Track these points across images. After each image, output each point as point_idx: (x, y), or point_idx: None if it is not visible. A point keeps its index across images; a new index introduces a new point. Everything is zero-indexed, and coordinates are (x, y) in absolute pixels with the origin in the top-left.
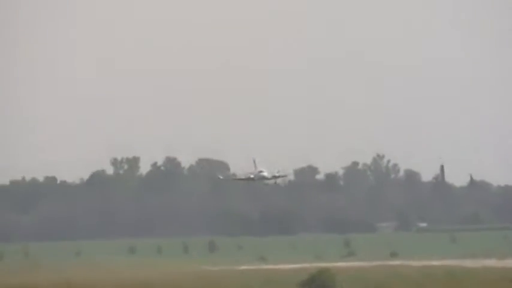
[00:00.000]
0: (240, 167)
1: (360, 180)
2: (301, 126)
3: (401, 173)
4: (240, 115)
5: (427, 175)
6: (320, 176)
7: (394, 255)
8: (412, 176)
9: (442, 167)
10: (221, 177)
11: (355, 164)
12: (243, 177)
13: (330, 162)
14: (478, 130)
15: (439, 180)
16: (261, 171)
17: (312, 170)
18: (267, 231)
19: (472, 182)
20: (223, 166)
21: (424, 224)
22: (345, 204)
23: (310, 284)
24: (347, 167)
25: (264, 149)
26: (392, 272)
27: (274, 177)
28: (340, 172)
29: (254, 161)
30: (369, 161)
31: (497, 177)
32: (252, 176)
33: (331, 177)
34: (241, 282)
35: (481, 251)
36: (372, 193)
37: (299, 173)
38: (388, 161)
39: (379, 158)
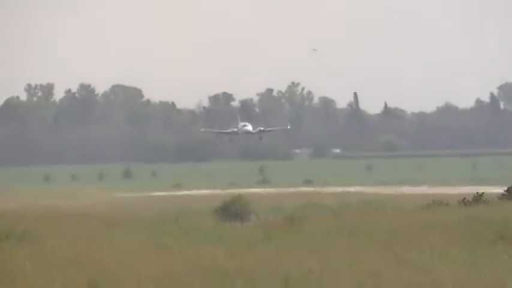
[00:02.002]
0: (154, 94)
1: (275, 107)
2: (215, 51)
3: (316, 101)
4: (156, 40)
5: (342, 102)
6: (235, 103)
7: (308, 182)
8: (326, 104)
9: (355, 95)
10: (202, 130)
11: (270, 90)
12: (227, 130)
13: (244, 89)
14: (392, 57)
15: (354, 107)
16: (244, 125)
17: (227, 96)
18: (183, 158)
19: (387, 109)
20: (137, 92)
21: (338, 151)
22: None
23: (224, 210)
24: (262, 94)
25: (180, 76)
26: (306, 199)
27: (260, 131)
28: (256, 99)
29: (238, 117)
30: (283, 88)
31: (411, 104)
32: (235, 130)
33: (246, 104)
34: (154, 207)
35: (396, 179)
36: (287, 120)
37: (214, 100)
38: (303, 89)
39: (293, 85)
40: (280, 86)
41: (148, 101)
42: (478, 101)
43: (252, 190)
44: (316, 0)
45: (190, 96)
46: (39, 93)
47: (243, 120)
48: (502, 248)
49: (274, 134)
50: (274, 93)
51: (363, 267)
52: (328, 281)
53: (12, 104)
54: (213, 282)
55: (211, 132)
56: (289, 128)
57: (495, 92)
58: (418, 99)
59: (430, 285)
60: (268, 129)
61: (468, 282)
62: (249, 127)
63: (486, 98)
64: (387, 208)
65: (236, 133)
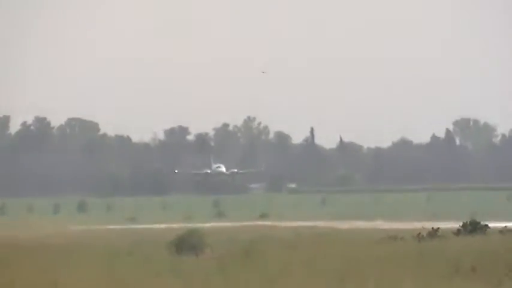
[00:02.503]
0: (111, 127)
1: (231, 141)
2: (171, 84)
3: (272, 135)
4: (110, 74)
5: (298, 137)
6: (191, 137)
7: (264, 216)
8: (282, 138)
9: (312, 129)
10: (176, 172)
11: (226, 125)
12: (200, 172)
13: (200, 123)
14: (346, 91)
15: (309, 142)
16: (218, 167)
17: (183, 130)
18: (138, 191)
19: (342, 143)
20: (93, 126)
21: (293, 186)
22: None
23: (180, 244)
24: (218, 128)
25: (134, 109)
26: (263, 233)
27: (233, 173)
28: (211, 133)
29: (210, 158)
30: (239, 122)
31: (367, 139)
32: (208, 171)
33: (201, 138)
34: (109, 241)
35: (351, 213)
36: (243, 155)
37: (169, 133)
38: (259, 123)
39: (249, 120)
40: (236, 120)
41: (104, 134)
42: (434, 137)
43: (207, 224)
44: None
45: (145, 129)
46: None
47: (216, 162)
48: (457, 283)
49: (230, 167)
50: (230, 127)
51: None
52: None
53: None
54: None
55: (185, 173)
56: (263, 169)
57: (450, 127)
58: (374, 134)
59: None
60: (241, 171)
61: None
62: (223, 168)
63: (441, 134)
64: (342, 242)
65: (210, 174)
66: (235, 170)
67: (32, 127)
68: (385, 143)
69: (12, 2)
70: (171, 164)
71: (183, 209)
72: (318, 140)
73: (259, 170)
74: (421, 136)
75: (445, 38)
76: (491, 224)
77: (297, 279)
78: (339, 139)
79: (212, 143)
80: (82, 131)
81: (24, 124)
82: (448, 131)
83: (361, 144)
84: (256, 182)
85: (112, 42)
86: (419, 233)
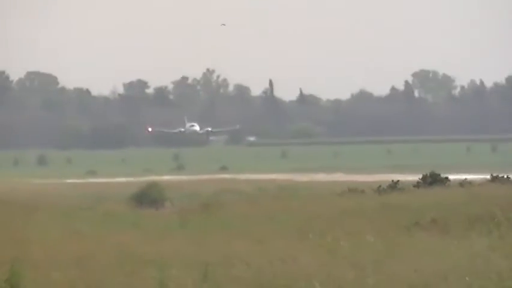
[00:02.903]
0: (70, 81)
1: (190, 94)
2: (130, 38)
3: (231, 88)
4: (69, 28)
5: (257, 90)
6: (150, 90)
7: (224, 168)
8: (241, 91)
9: (271, 82)
10: (150, 130)
11: (185, 78)
12: (174, 130)
13: (159, 76)
14: (307, 44)
15: (269, 94)
16: (192, 125)
17: (142, 83)
18: (98, 145)
19: (302, 96)
20: (52, 79)
21: (253, 138)
22: (175, 118)
23: (139, 197)
24: (177, 82)
25: (95, 63)
26: (223, 186)
27: (207, 132)
28: (170, 87)
29: (185, 118)
30: (198, 75)
31: (326, 91)
32: (182, 130)
33: (161, 91)
34: (70, 194)
35: (311, 165)
36: (203, 108)
37: (128, 86)
38: (218, 76)
39: (208, 72)
40: (195, 73)
41: (63, 87)
42: (393, 89)
43: (167, 177)
44: None
45: (104, 82)
46: None
47: (189, 121)
48: (418, 235)
49: (189, 119)
50: (189, 80)
51: (278, 253)
52: (245, 266)
53: None
54: (129, 268)
55: (159, 131)
56: (238, 127)
57: (410, 79)
58: (333, 86)
59: (349, 267)
60: (215, 129)
61: (386, 268)
62: (197, 127)
63: (401, 86)
64: (302, 195)
65: (183, 133)
66: (210, 129)
67: None
68: (345, 95)
69: None
70: (131, 117)
71: (143, 162)
72: (278, 93)
73: (233, 128)
74: (380, 88)
75: None
76: (451, 176)
77: (257, 233)
78: (298, 91)
79: (171, 96)
80: (41, 84)
81: None
82: (407, 83)
83: (321, 96)
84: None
85: None
86: (380, 186)
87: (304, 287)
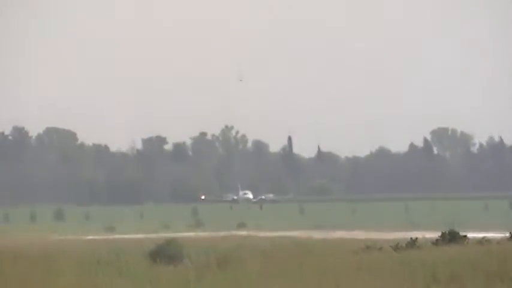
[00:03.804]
0: (89, 137)
1: (208, 151)
2: (149, 94)
3: (250, 144)
4: (88, 83)
5: (276, 146)
6: (168, 146)
7: (242, 225)
8: (260, 147)
9: (289, 138)
10: (203, 198)
11: (204, 134)
12: (227, 199)
13: (178, 132)
14: (325, 101)
15: (287, 151)
16: (245, 193)
17: (160, 140)
18: (115, 201)
19: (320, 153)
20: (71, 135)
21: (271, 195)
22: (193, 174)
23: (158, 254)
24: (195, 138)
25: (113, 119)
26: (240, 243)
27: (261, 200)
28: (189, 142)
29: (238, 185)
30: (217, 131)
31: (345, 148)
32: (235, 198)
33: (179, 147)
34: (88, 251)
35: (329, 223)
36: (221, 164)
37: (147, 142)
38: (237, 132)
39: (227, 129)
40: (213, 129)
41: (82, 143)
42: (412, 145)
43: (185, 234)
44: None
45: (123, 138)
46: None
47: (242, 189)
48: None
49: (207, 177)
50: (208, 136)
51: None
52: None
53: None
54: None
55: (212, 200)
56: (292, 196)
57: (428, 136)
58: (352, 143)
59: None
60: (269, 198)
61: None
62: (250, 195)
63: (420, 143)
64: (319, 251)
65: (236, 201)
66: (263, 197)
67: (10, 137)
68: (363, 152)
69: None
70: (149, 173)
71: (160, 218)
72: (296, 149)
73: (288, 196)
74: (399, 145)
75: (423, 45)
76: (469, 234)
77: None
78: (317, 148)
79: (190, 152)
80: (60, 140)
81: (1, 134)
82: (426, 140)
83: (339, 153)
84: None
85: (86, 49)
86: (398, 243)
87: None
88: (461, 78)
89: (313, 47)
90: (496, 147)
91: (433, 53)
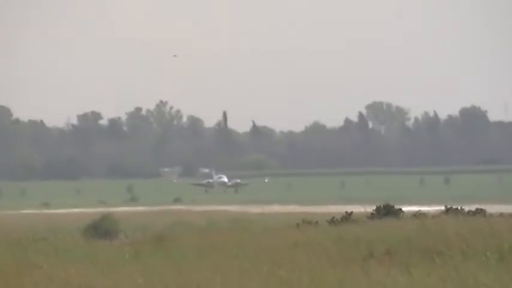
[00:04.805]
0: (24, 112)
1: (143, 126)
2: (87, 69)
3: (185, 119)
4: (21, 58)
5: (210, 121)
6: (103, 121)
7: (177, 200)
8: (195, 123)
9: (224, 113)
10: (175, 181)
11: (139, 109)
12: (202, 182)
13: (113, 108)
14: (260, 75)
15: (222, 126)
16: (220, 177)
17: (95, 115)
18: (51, 176)
19: (255, 128)
20: (5, 111)
21: (206, 170)
22: (129, 150)
23: (93, 228)
24: (130, 113)
25: (49, 94)
26: (175, 218)
27: (236, 184)
28: (124, 118)
29: (212, 170)
30: (152, 107)
31: (280, 123)
32: (210, 181)
33: (114, 123)
34: (23, 225)
35: (264, 197)
36: (156, 139)
37: (82, 118)
38: (171, 107)
39: (162, 104)
40: (148, 104)
41: (17, 119)
42: (347, 120)
43: (120, 208)
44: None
45: (59, 114)
46: None
47: (217, 173)
48: (371, 267)
49: (142, 153)
50: (143, 112)
51: (230, 285)
52: None
53: None
54: None
55: (186, 184)
56: (267, 181)
57: (363, 111)
58: (287, 118)
59: None
60: (243, 182)
61: None
62: (225, 179)
63: (355, 118)
64: (255, 227)
65: (211, 184)
66: (239, 181)
67: None
68: (298, 127)
69: None
70: (85, 149)
71: (96, 193)
72: (231, 124)
73: (265, 182)
74: (334, 120)
75: (365, 19)
76: (404, 208)
77: (209, 265)
78: (251, 123)
79: (125, 128)
80: None
81: None
82: (361, 114)
83: (274, 128)
84: (168, 166)
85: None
86: (333, 217)
87: None
88: (397, 52)
89: (245, 19)
90: (431, 122)
91: (369, 28)
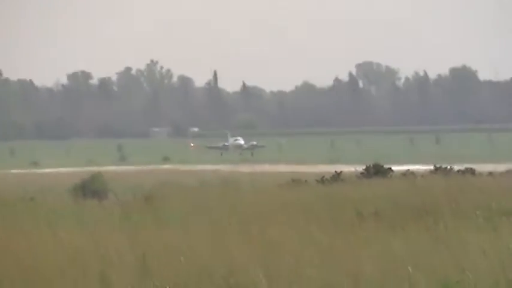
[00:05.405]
0: (13, 72)
1: (134, 86)
2: (77, 29)
3: (175, 79)
4: (10, 18)
5: (201, 81)
6: (94, 81)
7: (166, 159)
8: (185, 82)
9: (215, 73)
10: (192, 145)
11: (129, 69)
12: (218, 145)
13: (103, 67)
14: (251, 36)
15: (212, 86)
16: (236, 139)
17: (85, 74)
18: (41, 136)
19: (245, 87)
20: None
21: (196, 130)
22: (119, 110)
23: (82, 188)
24: (121, 73)
25: (38, 54)
26: (164, 177)
27: (252, 146)
28: (114, 77)
29: (228, 132)
30: (142, 66)
31: (270, 83)
32: (226, 144)
33: (104, 83)
34: (12, 186)
35: (255, 157)
36: (146, 99)
37: (72, 77)
38: (162, 67)
39: (152, 63)
40: (139, 64)
41: (6, 79)
42: (337, 80)
43: (110, 168)
44: None
45: (49, 74)
46: None
47: (233, 136)
48: (361, 226)
49: (132, 112)
50: (133, 71)
51: (218, 244)
52: (183, 257)
53: None
54: (74, 263)
55: (203, 147)
56: (284, 142)
57: (353, 71)
58: (277, 78)
59: (293, 262)
60: (260, 144)
61: (330, 259)
62: (241, 141)
63: (345, 77)
64: (246, 186)
65: (227, 147)
66: (255, 143)
67: None
68: (288, 87)
69: None
70: (75, 109)
71: (86, 153)
72: (221, 84)
73: (280, 142)
74: (324, 80)
75: None
76: (394, 167)
77: (199, 225)
78: (242, 83)
79: (115, 88)
80: None
81: None
82: (351, 74)
83: (264, 88)
84: (159, 126)
85: None
86: (323, 177)
87: (244, 277)
88: (386, 12)
89: None
90: (421, 82)
91: None
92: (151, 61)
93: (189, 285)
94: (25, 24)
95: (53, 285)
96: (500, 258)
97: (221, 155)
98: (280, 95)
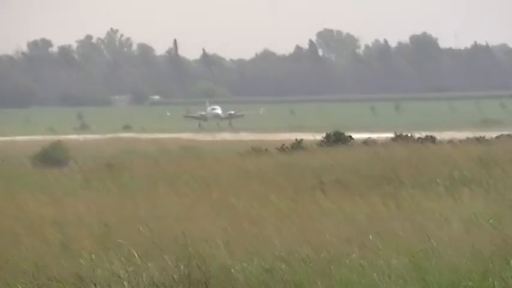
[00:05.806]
0: None
1: (94, 54)
2: None
3: (135, 47)
4: None
5: (161, 49)
6: (54, 49)
7: (127, 128)
8: (145, 51)
9: (175, 41)
10: (168, 114)
11: (89, 37)
12: (195, 114)
13: (63, 35)
14: (210, 2)
15: (173, 54)
16: (213, 109)
17: (46, 42)
18: (0, 105)
19: (205, 55)
20: None
21: (157, 98)
22: (79, 78)
23: (43, 156)
24: (81, 41)
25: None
26: (125, 145)
27: (230, 115)
28: (75, 45)
29: (206, 101)
30: (102, 35)
31: (230, 51)
32: (203, 113)
33: (65, 51)
34: None
35: (214, 125)
36: (107, 68)
37: (33, 45)
38: (122, 35)
39: (112, 32)
40: (99, 33)
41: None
42: (297, 48)
43: (70, 136)
44: None
45: (9, 41)
46: None
47: (211, 104)
48: (320, 194)
49: (93, 80)
50: (94, 40)
51: (177, 214)
52: (144, 225)
53: None
54: (33, 228)
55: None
56: (262, 112)
57: (313, 38)
58: (237, 45)
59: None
60: (238, 113)
61: (292, 227)
62: (219, 110)
63: (305, 45)
64: (206, 155)
65: (205, 117)
66: (233, 112)
67: None
68: (249, 55)
69: None
70: (35, 77)
71: (47, 121)
72: (182, 52)
73: (255, 113)
74: (284, 47)
75: None
76: (355, 135)
77: (158, 193)
78: (202, 51)
79: (76, 56)
80: None
81: None
82: (311, 42)
83: (225, 56)
84: (119, 94)
85: None
86: (283, 145)
87: (205, 246)
88: None
89: None
90: (381, 50)
91: None
92: (111, 29)
93: (150, 254)
94: None
95: (11, 253)
96: (463, 226)
97: (199, 125)
98: (240, 63)
